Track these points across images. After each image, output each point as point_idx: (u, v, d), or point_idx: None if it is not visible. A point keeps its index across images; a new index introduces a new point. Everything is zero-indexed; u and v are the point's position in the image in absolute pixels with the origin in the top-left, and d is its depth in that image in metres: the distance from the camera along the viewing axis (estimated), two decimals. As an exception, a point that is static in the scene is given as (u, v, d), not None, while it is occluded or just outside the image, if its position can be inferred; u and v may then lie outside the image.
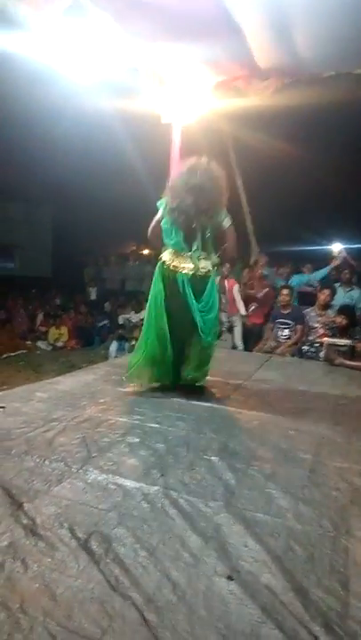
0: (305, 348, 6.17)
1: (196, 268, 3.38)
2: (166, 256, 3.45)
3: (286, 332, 6.45)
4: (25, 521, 1.79)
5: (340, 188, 9.98)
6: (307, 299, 7.49)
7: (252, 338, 7.41)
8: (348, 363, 5.09)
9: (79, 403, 3.24)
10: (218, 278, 7.87)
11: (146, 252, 13.61)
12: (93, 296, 12.79)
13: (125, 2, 3.69)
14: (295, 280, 7.96)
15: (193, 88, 4.89)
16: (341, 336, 5.67)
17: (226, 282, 7.67)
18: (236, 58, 4.35)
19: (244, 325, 7.68)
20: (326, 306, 6.37)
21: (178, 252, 3.40)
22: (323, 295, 6.40)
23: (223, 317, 7.60)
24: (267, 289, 7.69)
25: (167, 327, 3.43)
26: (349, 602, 1.50)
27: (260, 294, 7.68)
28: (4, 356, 9.15)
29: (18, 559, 1.58)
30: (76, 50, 4.30)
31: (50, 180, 11.23)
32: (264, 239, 9.11)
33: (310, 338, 6.27)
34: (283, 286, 6.96)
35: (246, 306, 7.71)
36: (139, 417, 3.04)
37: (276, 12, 3.62)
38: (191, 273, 3.38)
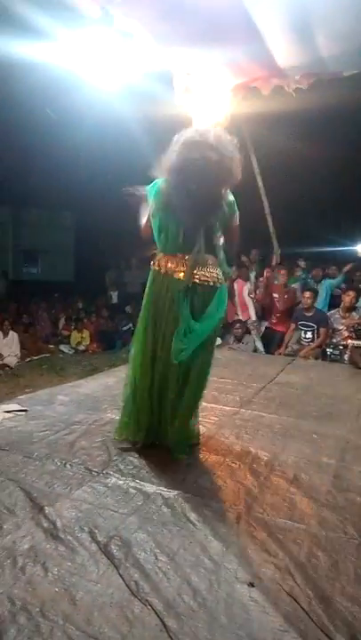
0: (329, 350, 6.09)
1: (199, 275, 2.45)
2: (159, 259, 2.55)
3: (309, 334, 6.38)
4: (46, 524, 1.80)
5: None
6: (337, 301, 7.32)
7: (274, 341, 7.26)
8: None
9: (100, 406, 3.25)
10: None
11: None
12: (115, 300, 12.84)
13: (149, 8, 3.70)
14: (326, 284, 7.81)
15: (215, 91, 4.89)
16: (366, 338, 5.58)
17: (235, 284, 7.50)
18: (256, 59, 4.33)
19: (264, 332, 7.50)
20: (351, 308, 6.28)
21: (174, 255, 2.48)
22: (348, 297, 6.30)
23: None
24: (286, 296, 7.41)
25: (150, 356, 2.55)
26: (375, 611, 1.46)
27: (280, 302, 7.39)
28: (28, 359, 9.24)
29: (38, 563, 1.58)
30: (98, 57, 4.33)
31: (72, 185, 11.36)
32: (286, 240, 9.03)
33: (334, 340, 6.18)
34: (305, 289, 6.87)
35: (268, 314, 7.53)
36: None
37: (296, 12, 3.59)
38: (191, 281, 2.43)
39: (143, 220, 2.64)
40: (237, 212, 2.57)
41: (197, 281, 2.44)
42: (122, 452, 2.51)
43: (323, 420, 3.22)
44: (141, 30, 3.96)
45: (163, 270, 2.48)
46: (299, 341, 6.48)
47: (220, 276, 2.52)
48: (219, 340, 7.47)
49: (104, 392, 3.63)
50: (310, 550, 1.74)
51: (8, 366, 8.53)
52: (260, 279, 7.61)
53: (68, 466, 2.31)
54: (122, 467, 2.33)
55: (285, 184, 9.16)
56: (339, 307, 6.49)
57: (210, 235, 2.47)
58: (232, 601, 1.47)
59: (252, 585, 1.54)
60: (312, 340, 6.33)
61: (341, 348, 5.90)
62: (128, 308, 12.15)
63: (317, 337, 6.30)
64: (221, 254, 2.56)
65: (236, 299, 7.55)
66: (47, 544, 1.68)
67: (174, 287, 2.44)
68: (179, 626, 1.36)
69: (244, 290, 7.59)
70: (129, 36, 3.98)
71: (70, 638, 1.29)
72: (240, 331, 7.28)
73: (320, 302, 7.10)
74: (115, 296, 12.89)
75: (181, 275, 2.43)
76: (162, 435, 2.58)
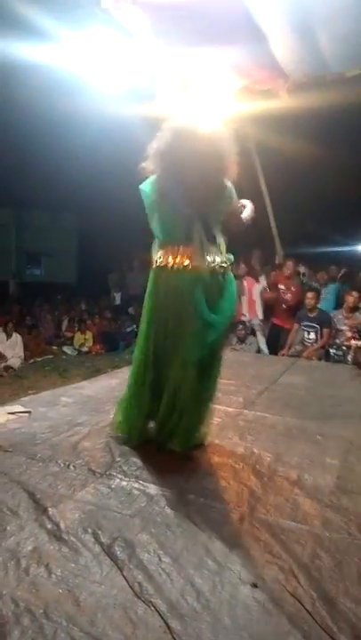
0: (332, 351, 6.07)
1: (207, 262, 2.35)
2: (160, 255, 2.45)
3: (312, 335, 6.37)
4: (49, 526, 1.80)
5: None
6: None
7: (281, 338, 7.16)
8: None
9: (103, 407, 3.25)
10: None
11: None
12: (118, 301, 12.85)
13: (151, 10, 3.71)
14: (332, 288, 7.79)
15: (217, 92, 4.89)
16: (370, 339, 5.57)
17: (245, 281, 7.49)
18: (259, 60, 4.33)
19: (270, 329, 7.48)
20: (354, 308, 6.27)
21: (175, 247, 2.39)
22: (351, 297, 6.29)
23: (246, 321, 7.51)
24: (292, 288, 7.30)
25: (150, 358, 2.50)
26: (379, 613, 1.45)
27: (288, 296, 7.34)
28: (31, 361, 9.26)
29: (42, 564, 1.58)
30: (101, 59, 4.35)
31: (75, 187, 11.37)
32: (290, 241, 9.02)
33: (338, 341, 6.17)
34: (308, 289, 6.86)
35: (275, 309, 7.50)
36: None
37: (298, 13, 3.60)
38: (199, 271, 2.33)
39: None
40: (235, 199, 2.49)
41: (206, 268, 2.34)
42: (125, 451, 2.51)
43: (326, 421, 3.21)
44: (145, 32, 3.97)
45: (166, 264, 2.39)
46: (302, 342, 6.46)
47: (227, 263, 2.46)
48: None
49: (107, 393, 3.63)
50: (314, 551, 1.74)
51: (12, 368, 8.54)
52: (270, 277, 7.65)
53: (71, 467, 2.31)
54: (125, 468, 2.33)
55: (288, 185, 9.15)
56: (342, 307, 6.48)
57: (208, 224, 2.38)
58: (236, 602, 1.47)
59: (255, 586, 1.54)
60: (315, 341, 6.32)
61: (345, 348, 5.89)
62: (131, 310, 12.15)
63: (321, 338, 6.28)
64: (222, 243, 2.49)
65: (245, 297, 7.53)
66: (51, 545, 1.69)
67: (182, 282, 2.35)
68: (182, 627, 1.36)
69: (253, 288, 7.55)
70: (132, 38, 4.00)
71: None
72: (243, 332, 7.28)
73: (327, 306, 7.07)
74: (118, 297, 12.90)
75: (187, 262, 2.34)
76: (164, 438, 2.53)
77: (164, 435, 2.53)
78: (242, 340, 7.24)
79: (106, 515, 1.90)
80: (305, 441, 2.83)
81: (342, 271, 8.13)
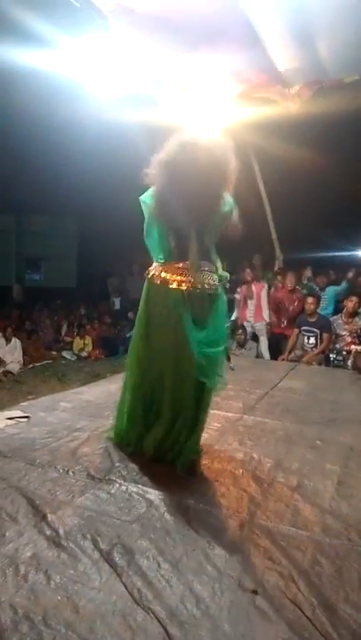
0: (332, 356, 6.08)
1: (198, 282, 2.35)
2: (153, 269, 2.48)
3: (312, 340, 6.37)
4: (48, 532, 1.79)
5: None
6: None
7: (281, 346, 7.19)
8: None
9: (103, 412, 3.24)
10: (239, 288, 7.82)
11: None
12: (117, 306, 12.84)
13: (149, 16, 3.73)
14: (331, 291, 7.79)
15: (216, 98, 4.91)
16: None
17: (253, 286, 7.52)
18: (259, 66, 4.35)
19: (271, 334, 7.49)
20: (354, 313, 6.27)
21: (168, 263, 2.41)
22: (350, 303, 6.30)
23: (247, 326, 7.51)
24: (295, 302, 7.29)
25: (142, 372, 2.52)
26: (380, 619, 1.44)
27: (291, 307, 7.37)
28: (30, 366, 9.24)
29: (41, 570, 1.57)
30: (100, 65, 4.36)
31: (74, 192, 11.40)
32: (289, 245, 9.04)
33: (337, 346, 6.17)
34: (308, 294, 6.87)
35: (278, 318, 7.51)
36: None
37: (298, 19, 3.61)
38: (189, 289, 2.34)
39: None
40: (235, 211, 2.47)
41: (195, 288, 2.34)
42: (124, 457, 2.50)
43: (326, 427, 3.21)
44: (143, 38, 3.99)
45: (158, 281, 2.40)
46: (302, 347, 6.46)
47: (217, 283, 2.45)
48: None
49: (106, 398, 3.62)
50: (314, 557, 1.73)
51: (11, 373, 8.53)
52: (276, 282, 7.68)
53: (70, 473, 2.30)
54: (124, 473, 2.33)
55: (287, 190, 9.18)
56: (342, 312, 6.49)
57: (203, 240, 2.38)
58: (235, 609, 1.46)
59: (255, 592, 1.53)
60: (315, 346, 6.32)
61: (345, 353, 5.89)
62: (131, 315, 12.14)
63: (320, 342, 6.29)
64: (217, 260, 2.50)
65: (253, 301, 7.52)
66: (50, 552, 1.68)
67: (171, 298, 2.35)
68: (182, 634, 1.35)
69: (262, 292, 7.53)
70: (130, 43, 4.01)
71: (73, 647, 1.29)
72: (243, 336, 7.28)
73: (326, 309, 7.08)
74: (117, 302, 12.89)
75: (175, 284, 2.35)
76: (164, 451, 2.47)
77: (164, 453, 2.47)
78: (241, 345, 7.24)
79: (105, 521, 1.89)
80: (305, 446, 2.83)
81: (352, 272, 8.04)
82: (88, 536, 1.78)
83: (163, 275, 2.39)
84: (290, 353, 6.52)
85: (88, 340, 10.80)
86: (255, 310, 7.53)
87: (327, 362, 6.10)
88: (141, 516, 1.94)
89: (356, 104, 4.74)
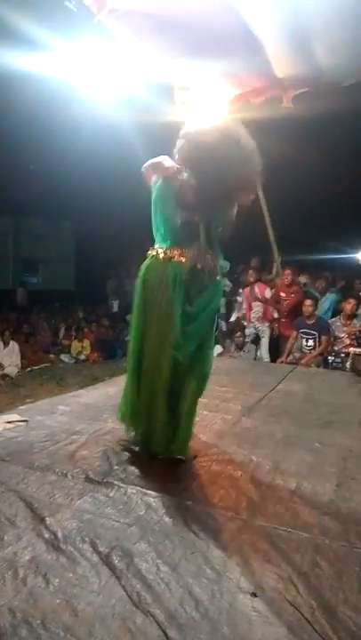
0: (331, 358, 6.09)
1: (199, 262, 2.41)
2: (157, 248, 2.54)
3: (311, 342, 6.37)
4: (47, 535, 1.79)
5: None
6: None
7: (280, 348, 7.16)
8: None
9: (101, 415, 3.24)
10: (243, 290, 7.81)
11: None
12: (115, 309, 12.86)
13: (146, 19, 3.73)
14: (330, 299, 7.80)
15: (212, 101, 4.92)
16: (368, 346, 5.58)
17: (256, 287, 7.48)
18: (255, 69, 4.36)
19: (272, 335, 7.47)
20: (352, 316, 6.28)
21: (173, 247, 2.47)
22: (348, 305, 6.31)
23: (249, 330, 7.50)
24: (291, 295, 7.26)
25: (138, 349, 2.54)
26: (379, 621, 1.44)
27: (287, 300, 7.36)
28: (28, 369, 9.24)
29: (39, 574, 1.57)
30: (95, 68, 4.37)
31: (72, 195, 11.41)
32: (286, 248, 9.07)
33: (336, 348, 6.18)
34: (306, 297, 6.87)
35: (273, 317, 7.50)
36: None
37: (295, 23, 3.62)
38: (189, 266, 2.40)
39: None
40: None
41: (197, 268, 2.41)
42: (122, 460, 2.50)
43: (325, 429, 3.21)
44: (139, 41, 3.99)
45: (161, 256, 2.47)
46: (300, 349, 6.47)
47: (218, 270, 2.52)
48: (220, 349, 7.47)
49: (105, 401, 3.61)
50: (313, 559, 1.73)
51: (9, 376, 8.52)
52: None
53: (69, 476, 2.30)
54: (123, 476, 2.32)
55: (285, 192, 9.20)
56: (340, 314, 6.50)
57: (210, 229, 2.44)
58: (234, 611, 1.46)
59: (254, 595, 1.53)
60: (314, 348, 6.32)
61: (343, 355, 5.90)
62: (129, 317, 12.14)
63: (319, 345, 6.29)
64: (220, 254, 2.55)
65: (256, 302, 7.50)
66: (48, 555, 1.67)
67: (173, 270, 2.41)
68: (181, 637, 1.34)
69: (265, 293, 7.50)
70: (126, 47, 4.01)
71: (72, 650, 1.28)
72: (241, 339, 7.28)
73: (324, 314, 7.08)
74: (115, 305, 12.91)
75: (183, 259, 2.41)
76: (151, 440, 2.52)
77: (158, 440, 2.50)
78: (240, 348, 7.24)
79: (104, 524, 1.89)
80: (304, 449, 2.83)
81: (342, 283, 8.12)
82: (87, 539, 1.77)
83: (168, 253, 2.46)
84: (288, 355, 6.53)
85: (86, 342, 10.80)
86: (262, 312, 7.50)
87: (326, 364, 6.11)
88: (140, 519, 1.94)
89: (353, 107, 4.76)
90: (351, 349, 5.70)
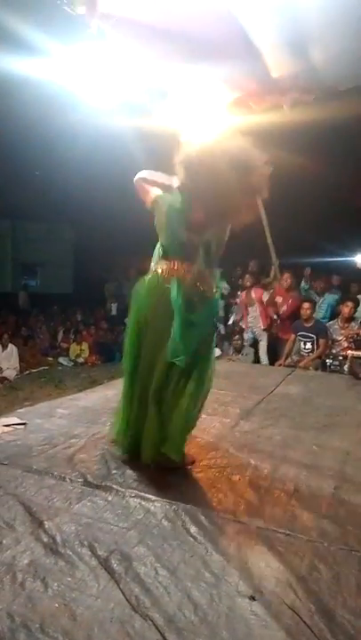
0: (329, 361, 6.09)
1: (199, 279, 2.43)
2: (157, 263, 2.55)
3: (309, 345, 6.38)
4: (45, 539, 1.79)
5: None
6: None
7: (278, 351, 7.16)
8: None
9: (100, 419, 3.24)
10: (239, 293, 7.82)
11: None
12: (114, 311, 12.85)
13: (144, 25, 3.75)
14: (328, 299, 7.81)
15: (209, 106, 4.93)
16: (366, 349, 5.59)
17: (253, 292, 7.49)
18: (252, 74, 4.37)
19: (270, 339, 7.46)
20: (350, 319, 6.29)
21: (175, 260, 2.46)
22: (346, 308, 6.32)
23: (247, 334, 7.49)
24: (290, 300, 7.34)
25: (135, 363, 2.53)
26: (378, 625, 1.45)
27: (283, 308, 7.38)
28: (27, 372, 9.23)
29: (38, 578, 1.57)
30: (94, 73, 4.38)
31: (70, 198, 11.44)
32: (285, 251, 9.08)
33: (334, 351, 6.18)
34: (304, 300, 6.88)
35: (271, 320, 7.50)
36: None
37: (292, 28, 3.64)
38: (190, 282, 2.41)
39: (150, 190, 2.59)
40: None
41: (196, 287, 2.41)
42: (121, 463, 2.50)
43: (323, 432, 3.21)
44: (137, 46, 4.00)
45: (164, 274, 2.44)
46: (299, 352, 6.47)
47: (215, 289, 2.53)
48: (218, 352, 7.47)
49: (103, 405, 3.61)
50: (312, 563, 1.73)
51: (7, 379, 8.51)
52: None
53: (67, 479, 2.30)
54: (121, 480, 2.32)
55: (283, 196, 9.22)
56: (338, 317, 6.51)
57: (209, 248, 2.43)
58: (233, 615, 1.46)
59: (253, 598, 1.53)
60: (312, 351, 6.33)
61: (341, 358, 5.90)
62: (127, 320, 12.15)
63: (317, 348, 6.30)
64: (216, 269, 2.56)
65: (255, 307, 7.51)
66: (47, 559, 1.67)
67: (174, 284, 2.37)
68: (180, 641, 1.35)
69: (263, 297, 7.48)
70: (124, 52, 4.03)
71: (70, 655, 1.28)
72: (239, 342, 7.28)
73: (322, 317, 7.08)
74: (114, 308, 12.90)
75: (184, 274, 2.40)
76: (151, 447, 2.45)
77: (151, 444, 2.46)
78: (238, 351, 7.24)
79: (102, 527, 1.89)
80: (302, 451, 2.83)
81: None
82: (85, 543, 1.77)
83: (170, 270, 2.44)
84: (287, 358, 6.53)
85: (85, 345, 10.79)
86: (259, 316, 7.50)
87: (324, 367, 6.11)
88: (138, 523, 1.94)
89: (350, 111, 4.77)
90: (349, 352, 5.70)
